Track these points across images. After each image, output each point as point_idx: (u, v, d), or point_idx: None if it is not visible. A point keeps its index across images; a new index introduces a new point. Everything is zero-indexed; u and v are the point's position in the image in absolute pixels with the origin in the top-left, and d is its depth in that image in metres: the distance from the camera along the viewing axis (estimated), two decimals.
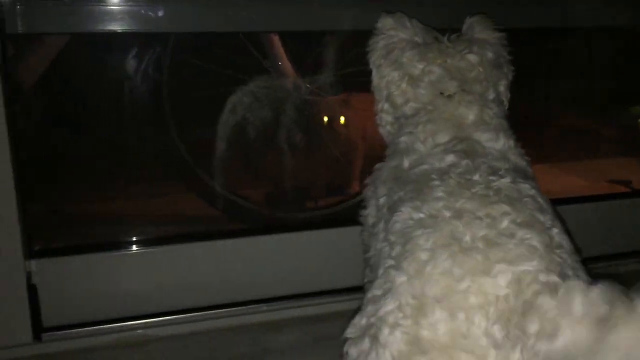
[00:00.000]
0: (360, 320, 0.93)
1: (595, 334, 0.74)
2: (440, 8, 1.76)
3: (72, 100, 2.12)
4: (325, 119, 2.26)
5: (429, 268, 0.88)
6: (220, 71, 2.08)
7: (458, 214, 0.94)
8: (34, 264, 1.57)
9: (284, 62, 2.14)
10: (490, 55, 1.32)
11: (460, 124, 1.20)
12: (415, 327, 0.85)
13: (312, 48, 2.13)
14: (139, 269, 1.67)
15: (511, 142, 1.19)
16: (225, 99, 2.12)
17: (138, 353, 1.59)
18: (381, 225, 1.08)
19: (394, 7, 1.47)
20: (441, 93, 1.25)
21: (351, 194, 2.28)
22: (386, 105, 1.35)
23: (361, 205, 1.35)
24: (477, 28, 1.37)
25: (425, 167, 1.11)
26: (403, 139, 1.22)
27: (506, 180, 1.02)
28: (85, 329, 1.60)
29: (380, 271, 0.96)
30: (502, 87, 1.35)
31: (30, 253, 1.57)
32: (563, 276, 0.86)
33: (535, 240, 0.89)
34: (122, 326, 1.62)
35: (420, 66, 1.29)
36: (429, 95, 1.27)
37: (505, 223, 0.91)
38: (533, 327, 0.79)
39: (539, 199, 1.01)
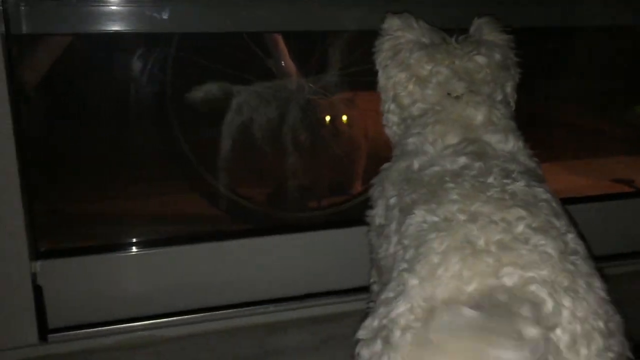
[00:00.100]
0: (373, 322, 0.93)
1: None
2: (440, 8, 1.76)
3: (75, 100, 2.12)
4: (329, 118, 2.25)
5: (440, 271, 0.88)
6: (224, 70, 2.08)
7: (473, 218, 0.94)
8: (39, 265, 1.56)
9: (287, 62, 2.14)
10: (497, 56, 1.32)
11: (468, 125, 1.20)
12: (426, 330, 0.85)
13: (315, 47, 2.13)
14: (145, 270, 1.67)
15: (520, 144, 1.20)
16: (228, 98, 2.13)
17: (144, 354, 1.59)
18: (393, 227, 1.08)
19: (394, 6, 1.47)
20: (449, 94, 1.25)
21: (355, 193, 2.28)
22: (393, 106, 1.35)
23: (368, 205, 1.35)
24: (485, 30, 1.38)
25: (436, 169, 1.11)
26: (411, 140, 1.22)
27: (521, 184, 1.02)
28: (91, 329, 1.59)
29: (394, 274, 0.96)
30: (509, 88, 1.34)
31: (35, 254, 1.57)
32: (573, 284, 0.86)
33: (549, 247, 0.89)
34: (127, 327, 1.62)
35: (428, 67, 1.28)
36: (437, 96, 1.26)
37: (520, 228, 0.92)
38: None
39: (554, 204, 1.01)
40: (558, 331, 0.83)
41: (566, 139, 2.77)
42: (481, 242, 0.90)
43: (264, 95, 2.12)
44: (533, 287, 0.84)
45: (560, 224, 0.96)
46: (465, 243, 0.90)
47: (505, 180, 1.02)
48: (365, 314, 1.43)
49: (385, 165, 1.29)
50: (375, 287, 1.37)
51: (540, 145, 1.27)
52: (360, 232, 1.77)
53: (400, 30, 1.35)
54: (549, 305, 0.84)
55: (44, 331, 1.56)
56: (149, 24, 1.63)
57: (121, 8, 1.59)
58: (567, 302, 0.85)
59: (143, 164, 2.22)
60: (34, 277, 1.55)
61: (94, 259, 1.63)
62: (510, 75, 1.35)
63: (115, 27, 1.59)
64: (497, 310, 0.82)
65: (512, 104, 1.36)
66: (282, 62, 2.14)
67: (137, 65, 2.06)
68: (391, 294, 0.93)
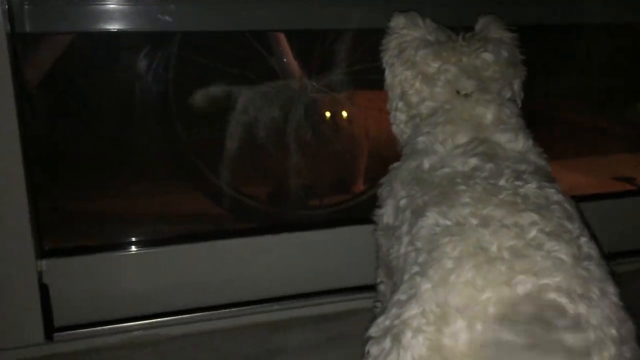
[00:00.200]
0: (384, 321, 0.94)
1: None
2: (440, 8, 1.76)
3: (77, 99, 2.12)
4: (332, 116, 2.25)
5: (453, 277, 0.89)
6: (227, 69, 2.08)
7: (485, 222, 0.94)
8: (44, 264, 1.56)
9: (290, 60, 2.14)
10: (504, 54, 1.32)
11: (478, 124, 1.20)
12: (438, 335, 0.86)
13: (318, 45, 2.13)
14: (149, 269, 1.67)
15: (530, 142, 1.20)
16: (231, 97, 2.13)
17: (149, 352, 1.59)
18: (404, 228, 1.08)
19: (393, 5, 1.47)
20: (457, 92, 1.25)
21: (358, 192, 2.29)
22: (400, 104, 1.35)
23: (375, 204, 1.35)
24: (491, 27, 1.38)
25: (447, 170, 1.11)
26: (421, 139, 1.22)
27: (532, 186, 1.02)
28: (97, 328, 1.60)
29: (406, 277, 0.96)
30: (517, 85, 1.35)
31: (41, 253, 1.57)
32: (587, 291, 0.87)
33: (563, 253, 0.89)
34: (132, 326, 1.62)
35: (435, 65, 1.29)
36: (446, 94, 1.27)
37: (533, 233, 0.92)
38: None
39: (566, 205, 1.01)
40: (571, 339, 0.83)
41: (567, 136, 2.76)
42: (494, 248, 0.90)
43: (267, 94, 2.12)
44: (552, 295, 0.85)
45: (573, 227, 0.96)
46: (478, 249, 0.90)
47: (517, 183, 1.02)
48: (371, 313, 1.45)
49: (395, 164, 1.28)
50: (382, 287, 1.37)
51: (540, 144, 1.28)
52: (363, 230, 1.77)
53: (406, 29, 1.36)
54: (571, 312, 0.84)
55: (49, 330, 1.56)
56: (150, 23, 1.62)
57: (123, 7, 1.58)
58: (582, 309, 0.85)
59: (146, 162, 2.22)
60: (39, 275, 1.55)
61: (99, 257, 1.63)
62: (517, 72, 1.35)
63: (118, 26, 1.59)
64: (533, 325, 0.82)
65: (519, 102, 1.36)
66: (285, 61, 2.14)
67: (139, 63, 2.06)
68: (403, 297, 0.93)
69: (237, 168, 2.14)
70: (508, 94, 1.29)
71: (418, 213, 1.05)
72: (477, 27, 1.40)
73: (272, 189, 2.36)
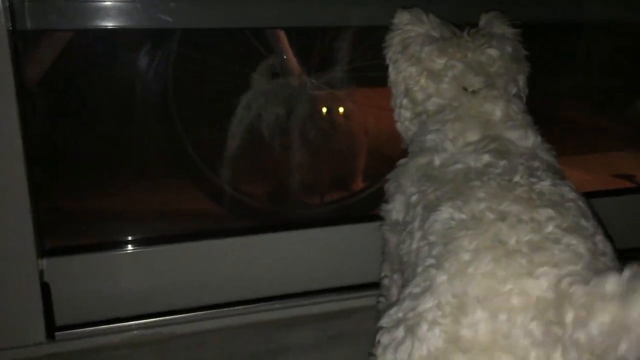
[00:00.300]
0: (397, 313, 0.93)
1: (624, 311, 0.75)
2: (439, 6, 1.76)
3: (76, 97, 2.11)
4: (333, 114, 2.25)
5: (471, 269, 0.88)
6: (227, 67, 2.07)
7: (502, 217, 0.93)
8: (45, 263, 1.55)
9: (290, 57, 2.14)
10: (509, 49, 1.32)
11: (487, 120, 1.20)
12: (455, 326, 0.85)
13: (318, 42, 2.13)
14: (151, 267, 1.66)
15: (539, 139, 1.20)
16: (230, 95, 2.12)
17: (151, 351, 1.58)
18: (417, 223, 1.07)
19: (393, 3, 1.47)
20: (464, 88, 1.25)
21: (358, 190, 2.29)
22: (405, 101, 1.34)
23: (377, 201, 1.35)
24: (494, 23, 1.38)
25: (459, 166, 1.10)
26: (430, 137, 1.22)
27: (547, 183, 1.01)
28: (99, 327, 1.59)
29: (419, 269, 0.96)
30: (521, 81, 1.35)
31: (42, 252, 1.56)
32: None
33: (581, 247, 0.89)
34: (134, 325, 1.62)
35: (441, 61, 1.28)
36: (452, 91, 1.26)
37: (550, 228, 0.91)
38: (569, 316, 0.80)
39: (580, 203, 1.01)
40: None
41: (567, 135, 2.77)
42: (512, 242, 0.89)
43: (267, 91, 2.11)
44: (574, 287, 0.83)
45: (588, 225, 0.96)
46: (497, 242, 0.90)
47: (531, 179, 1.02)
48: (373, 311, 1.45)
49: (402, 160, 1.28)
50: (386, 282, 1.37)
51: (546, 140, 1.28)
52: (365, 228, 1.79)
53: (410, 25, 1.35)
54: None
55: (51, 329, 1.55)
56: (150, 20, 1.62)
57: (123, 4, 1.57)
58: None
59: (146, 161, 2.21)
60: (40, 274, 1.54)
61: (100, 256, 1.62)
62: (522, 68, 1.35)
63: (118, 23, 1.58)
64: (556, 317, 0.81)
65: (524, 97, 1.36)
66: (285, 58, 2.14)
67: (138, 61, 2.05)
68: (417, 289, 0.92)
69: (237, 166, 2.14)
70: (514, 90, 1.30)
71: (431, 208, 1.04)
72: (481, 23, 1.40)
73: (272, 187, 2.36)
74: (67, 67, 2.00)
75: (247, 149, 2.14)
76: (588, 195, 2.03)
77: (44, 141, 1.94)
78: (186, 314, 1.67)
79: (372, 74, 2.04)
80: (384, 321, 0.95)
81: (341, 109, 2.27)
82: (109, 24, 1.57)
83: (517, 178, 1.02)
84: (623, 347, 0.76)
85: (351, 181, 2.35)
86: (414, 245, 1.04)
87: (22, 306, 1.52)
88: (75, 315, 1.58)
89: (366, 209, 2.17)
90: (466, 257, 0.89)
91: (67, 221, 1.98)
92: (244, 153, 2.14)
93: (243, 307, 1.71)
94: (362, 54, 2.11)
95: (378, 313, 1.37)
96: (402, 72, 1.34)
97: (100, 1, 1.56)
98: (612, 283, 0.77)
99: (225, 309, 1.70)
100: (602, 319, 0.77)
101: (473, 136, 1.17)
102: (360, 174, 2.37)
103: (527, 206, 0.95)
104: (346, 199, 2.25)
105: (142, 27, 1.66)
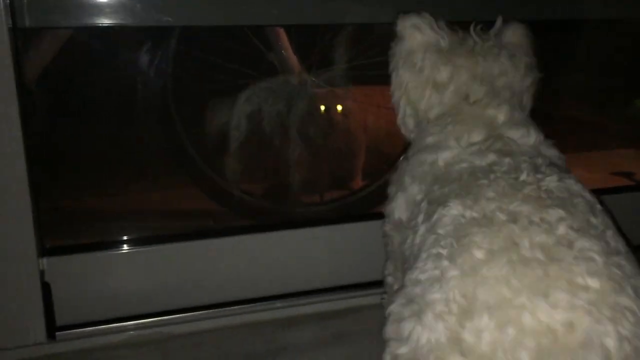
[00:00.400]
0: (406, 297, 0.93)
1: None
2: (438, 7, 1.76)
3: (75, 96, 2.10)
4: (331, 111, 2.25)
5: (484, 270, 0.86)
6: (226, 65, 2.07)
7: (513, 218, 0.92)
8: (46, 262, 1.55)
9: (290, 55, 2.13)
10: (518, 60, 1.30)
11: (491, 122, 1.20)
12: (458, 327, 0.84)
13: (318, 40, 2.12)
14: (153, 267, 1.65)
15: (542, 136, 1.20)
16: (230, 93, 2.11)
17: (152, 351, 1.57)
18: (421, 218, 1.06)
19: (395, 2, 1.46)
20: (466, 98, 1.25)
21: (357, 188, 2.29)
22: (408, 110, 1.34)
23: (378, 199, 1.35)
24: (507, 32, 1.35)
25: (465, 165, 1.10)
26: (432, 138, 1.22)
27: (553, 179, 1.01)
28: (100, 327, 1.58)
29: (424, 255, 0.94)
30: (529, 92, 1.34)
31: (42, 251, 1.55)
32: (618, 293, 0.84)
33: (594, 251, 0.87)
34: (136, 324, 1.61)
35: (446, 71, 1.27)
36: (454, 100, 1.26)
37: (561, 230, 0.90)
38: None
39: (588, 197, 1.01)
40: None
41: (567, 133, 2.77)
42: (526, 244, 0.87)
43: (267, 89, 2.11)
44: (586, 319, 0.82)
45: (598, 221, 0.94)
46: (512, 244, 0.88)
47: (537, 176, 1.01)
48: (375, 310, 1.45)
49: (404, 159, 1.28)
50: (389, 279, 1.36)
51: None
52: (365, 227, 1.79)
53: (414, 32, 1.32)
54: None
55: (52, 329, 1.54)
56: (150, 17, 1.61)
57: (123, 1, 1.57)
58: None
59: (146, 160, 2.20)
60: (41, 274, 1.53)
61: (101, 255, 1.61)
62: (530, 79, 1.33)
63: (118, 20, 1.57)
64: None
65: (529, 108, 1.35)
66: (284, 55, 2.13)
67: (138, 60, 2.04)
68: (423, 276, 0.91)
69: (237, 165, 2.13)
70: (518, 100, 1.29)
71: (437, 203, 1.03)
72: (493, 30, 1.36)
73: (272, 186, 2.35)
74: (67, 66, 2.00)
75: (247, 148, 2.14)
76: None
77: (44, 141, 1.93)
78: (187, 314, 1.66)
79: (371, 72, 2.05)
80: (396, 303, 0.94)
81: (340, 107, 2.27)
82: (109, 21, 1.56)
83: (524, 176, 1.01)
84: None
85: (351, 179, 2.35)
86: (418, 239, 1.03)
87: (22, 306, 1.51)
88: (76, 315, 1.58)
89: (366, 207, 2.17)
90: (479, 255, 0.88)
91: (67, 221, 1.97)
92: (244, 152, 2.14)
93: (244, 306, 1.71)
94: (362, 52, 2.11)
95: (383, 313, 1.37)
96: (405, 81, 1.32)
97: None
98: None
99: (225, 309, 1.69)
100: None
101: (477, 136, 1.17)
102: (360, 172, 2.37)
103: (537, 206, 0.94)
104: (346, 197, 2.24)
105: (141, 24, 1.65)
